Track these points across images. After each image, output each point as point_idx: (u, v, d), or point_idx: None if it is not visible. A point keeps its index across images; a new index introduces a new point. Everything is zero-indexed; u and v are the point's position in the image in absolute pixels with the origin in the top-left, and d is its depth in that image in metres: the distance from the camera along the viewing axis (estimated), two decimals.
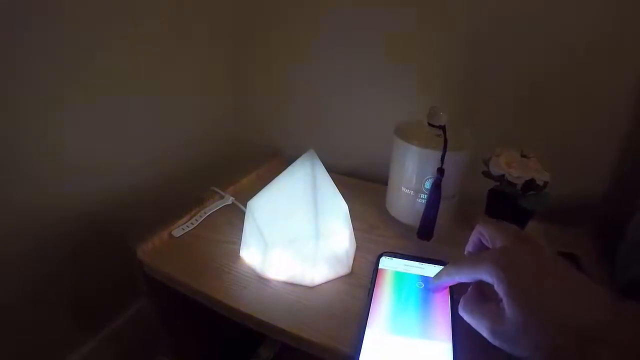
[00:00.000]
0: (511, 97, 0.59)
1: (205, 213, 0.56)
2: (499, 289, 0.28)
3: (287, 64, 0.75)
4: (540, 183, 0.48)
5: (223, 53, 0.78)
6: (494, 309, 0.28)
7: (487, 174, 0.51)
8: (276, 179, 0.45)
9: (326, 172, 0.44)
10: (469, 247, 0.37)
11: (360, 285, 0.44)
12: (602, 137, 0.56)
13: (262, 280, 0.45)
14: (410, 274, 0.43)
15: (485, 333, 0.29)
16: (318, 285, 0.44)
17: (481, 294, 0.32)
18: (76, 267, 0.62)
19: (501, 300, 0.27)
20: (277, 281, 0.44)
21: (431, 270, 0.44)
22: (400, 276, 0.43)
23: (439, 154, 0.46)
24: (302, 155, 0.43)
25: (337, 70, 0.70)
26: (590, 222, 0.58)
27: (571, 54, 0.53)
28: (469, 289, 0.33)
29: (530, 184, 0.48)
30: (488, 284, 0.29)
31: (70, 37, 0.52)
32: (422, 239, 0.51)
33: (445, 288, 0.39)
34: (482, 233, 0.35)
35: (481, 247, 0.35)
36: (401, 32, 0.62)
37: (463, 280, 0.32)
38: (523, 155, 0.50)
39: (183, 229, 0.53)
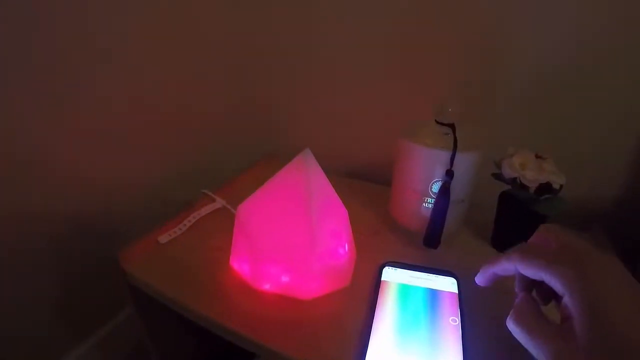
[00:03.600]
0: (522, 98, 0.56)
1: (195, 218, 0.54)
2: (573, 303, 0.24)
3: (284, 59, 0.73)
4: (557, 186, 0.45)
5: (221, 55, 0.76)
6: (559, 330, 0.24)
7: (497, 176, 0.48)
8: (268, 181, 0.42)
9: (323, 174, 0.42)
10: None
11: (360, 299, 0.41)
12: (614, 140, 0.54)
13: (252, 292, 0.42)
14: (415, 287, 0.41)
15: (546, 357, 0.24)
16: (314, 298, 0.41)
17: (538, 306, 0.27)
18: (63, 271, 0.61)
19: (568, 318, 0.24)
20: (270, 294, 0.42)
21: (439, 282, 0.41)
22: (404, 289, 0.41)
23: (447, 154, 0.44)
24: (297, 155, 0.40)
25: (337, 64, 0.68)
26: (603, 226, 0.56)
27: (584, 55, 0.52)
28: (520, 297, 0.28)
29: (544, 187, 0.45)
30: (543, 295, 0.25)
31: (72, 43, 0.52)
32: (429, 246, 0.49)
33: (494, 280, 0.31)
34: (550, 240, 0.29)
35: None
36: (405, 27, 0.60)
37: (524, 273, 0.27)
38: (538, 156, 0.47)
39: (170, 235, 0.50)
